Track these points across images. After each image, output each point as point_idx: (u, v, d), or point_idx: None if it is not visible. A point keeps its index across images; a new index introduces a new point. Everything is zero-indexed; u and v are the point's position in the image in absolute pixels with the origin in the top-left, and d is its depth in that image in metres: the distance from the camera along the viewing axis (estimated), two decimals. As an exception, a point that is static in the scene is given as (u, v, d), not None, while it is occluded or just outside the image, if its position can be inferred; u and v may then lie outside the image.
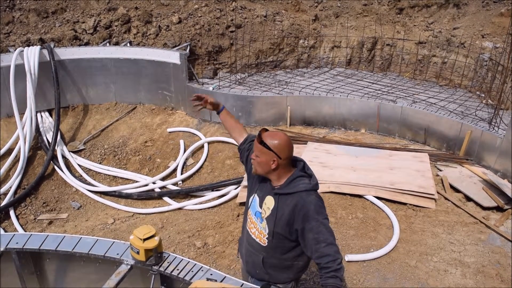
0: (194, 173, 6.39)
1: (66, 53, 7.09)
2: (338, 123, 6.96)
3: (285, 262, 2.47)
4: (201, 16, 7.83)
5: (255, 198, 2.49)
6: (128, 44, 7.54)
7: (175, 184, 6.26)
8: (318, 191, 2.39)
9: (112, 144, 7.00)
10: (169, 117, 7.41)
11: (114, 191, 6.23)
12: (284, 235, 2.36)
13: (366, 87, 7.27)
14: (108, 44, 7.54)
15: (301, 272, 2.58)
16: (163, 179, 6.35)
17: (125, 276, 2.45)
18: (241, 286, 2.35)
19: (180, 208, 5.82)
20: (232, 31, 7.81)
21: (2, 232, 5.56)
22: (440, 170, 5.77)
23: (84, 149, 6.97)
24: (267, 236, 2.40)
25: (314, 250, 2.25)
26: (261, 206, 2.44)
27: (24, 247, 2.63)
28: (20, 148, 6.43)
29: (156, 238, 2.46)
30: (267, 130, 2.36)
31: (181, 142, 6.82)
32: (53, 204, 6.18)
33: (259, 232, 2.44)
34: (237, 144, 2.78)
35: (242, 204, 5.36)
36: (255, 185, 2.53)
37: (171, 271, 2.46)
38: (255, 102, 6.90)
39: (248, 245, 2.56)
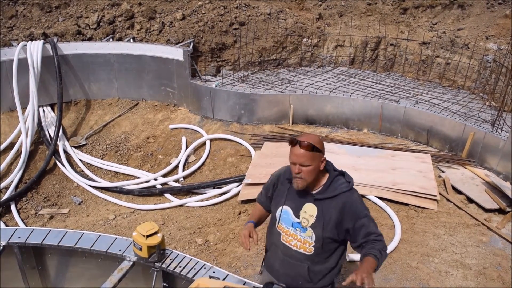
0: (195, 170, 6.38)
1: (69, 48, 7.07)
2: (341, 123, 6.95)
3: (330, 265, 2.46)
4: (204, 13, 7.82)
5: (286, 210, 2.43)
6: (131, 40, 7.53)
7: (177, 181, 6.25)
8: None
9: (114, 139, 7.00)
10: (172, 114, 7.40)
11: (116, 187, 6.22)
12: (333, 238, 2.36)
13: (369, 87, 7.25)
14: (111, 39, 7.52)
15: (339, 273, 2.59)
16: (164, 175, 6.35)
17: (127, 272, 2.45)
18: (244, 284, 2.34)
19: (181, 205, 5.81)
20: (235, 29, 7.79)
21: (3, 226, 5.56)
22: (443, 171, 5.76)
23: (86, 144, 6.96)
24: (313, 244, 2.37)
25: (365, 241, 2.31)
26: (297, 216, 2.39)
27: (26, 241, 2.63)
28: (22, 143, 6.42)
29: (159, 235, 2.46)
30: (294, 138, 2.29)
31: (183, 139, 6.81)
32: (54, 199, 6.18)
33: (303, 242, 2.39)
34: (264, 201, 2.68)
35: (243, 202, 5.35)
36: (281, 199, 2.47)
37: (174, 268, 2.46)
38: (258, 100, 6.88)
39: (287, 258, 2.47)
